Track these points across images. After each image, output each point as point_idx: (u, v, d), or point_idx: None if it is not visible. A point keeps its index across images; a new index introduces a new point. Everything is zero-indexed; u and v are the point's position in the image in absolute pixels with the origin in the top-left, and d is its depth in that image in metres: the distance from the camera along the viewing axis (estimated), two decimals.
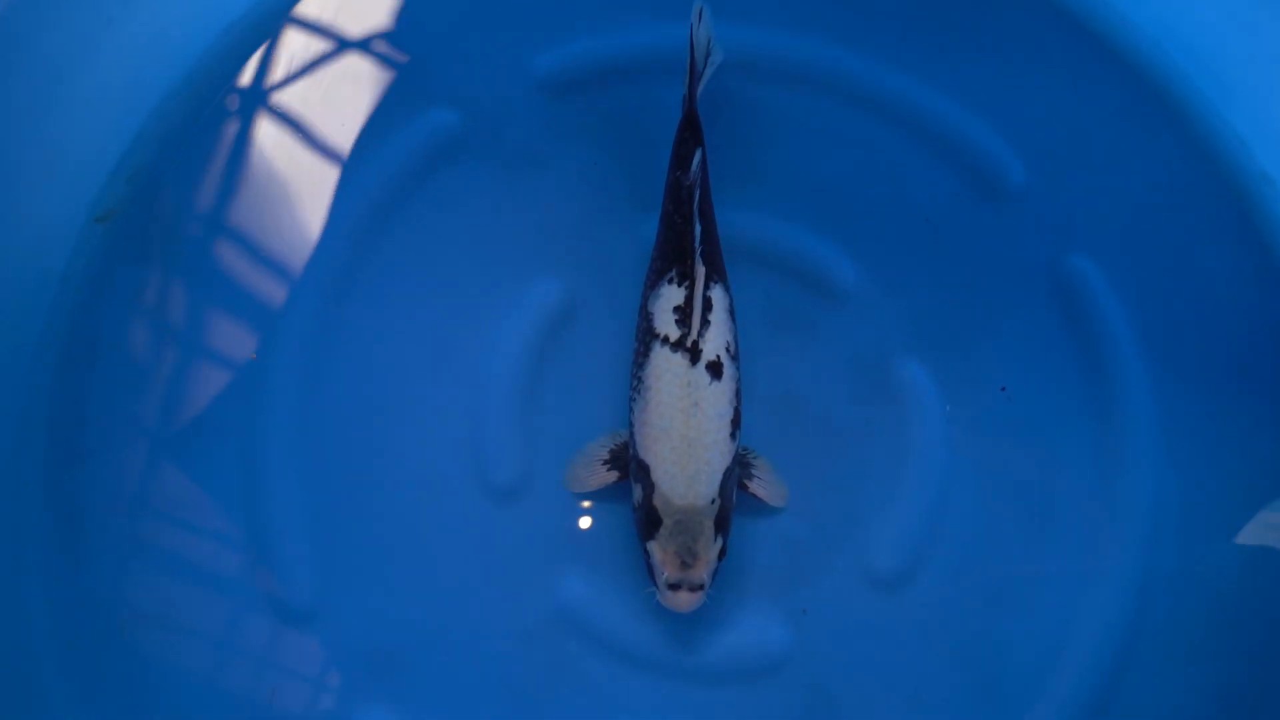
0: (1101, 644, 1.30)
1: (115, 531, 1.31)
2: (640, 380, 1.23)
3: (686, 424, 1.19)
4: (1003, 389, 1.39)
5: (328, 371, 1.38)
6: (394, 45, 1.50)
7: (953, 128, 1.49)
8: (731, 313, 1.28)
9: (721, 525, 1.18)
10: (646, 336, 1.25)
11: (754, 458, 1.29)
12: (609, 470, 1.28)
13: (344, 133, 1.49)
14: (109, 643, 1.26)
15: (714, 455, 1.20)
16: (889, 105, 1.49)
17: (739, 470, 1.25)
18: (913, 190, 1.47)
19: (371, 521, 1.33)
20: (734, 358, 1.25)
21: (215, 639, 1.27)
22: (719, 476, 1.20)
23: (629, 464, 1.24)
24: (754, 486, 1.27)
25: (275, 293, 1.43)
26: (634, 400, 1.24)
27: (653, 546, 1.18)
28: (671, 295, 1.26)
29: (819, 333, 1.41)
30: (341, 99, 1.50)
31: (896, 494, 1.34)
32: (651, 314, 1.25)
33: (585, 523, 1.30)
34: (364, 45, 1.51)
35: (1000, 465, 1.37)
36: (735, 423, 1.23)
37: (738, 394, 1.24)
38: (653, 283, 1.27)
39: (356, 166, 1.47)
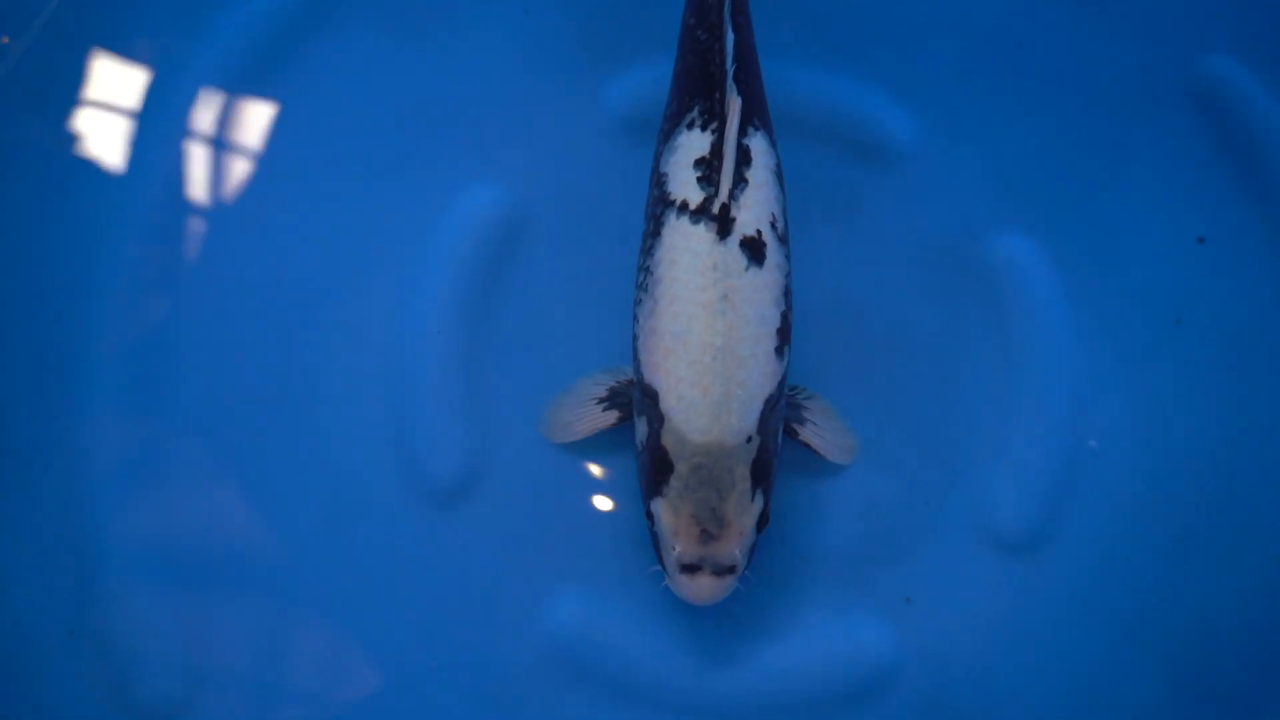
0: None
1: None
2: (648, 271, 1.08)
3: (711, 326, 1.03)
4: (1200, 239, 1.26)
5: (173, 348, 1.23)
6: None
7: None
8: (779, 176, 1.12)
9: (761, 476, 1.02)
10: (657, 207, 1.09)
11: (806, 397, 1.15)
12: (605, 410, 1.13)
13: None
14: None
15: (752, 374, 1.03)
16: None
17: (787, 410, 1.11)
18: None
19: (249, 561, 1.18)
20: (782, 240, 1.09)
21: None
22: (758, 405, 1.03)
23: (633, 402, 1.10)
24: (807, 434, 1.13)
25: (87, 232, 1.25)
26: (639, 303, 1.09)
27: (660, 506, 1.02)
28: (692, 144, 1.09)
29: (871, 211, 1.28)
30: None
31: (1012, 421, 1.22)
32: (664, 175, 1.10)
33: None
34: None
35: (1160, 358, 1.24)
36: (784, 335, 1.07)
37: (787, 293, 1.08)
38: (667, 133, 1.13)
39: (184, 45, 1.31)
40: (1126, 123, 1.31)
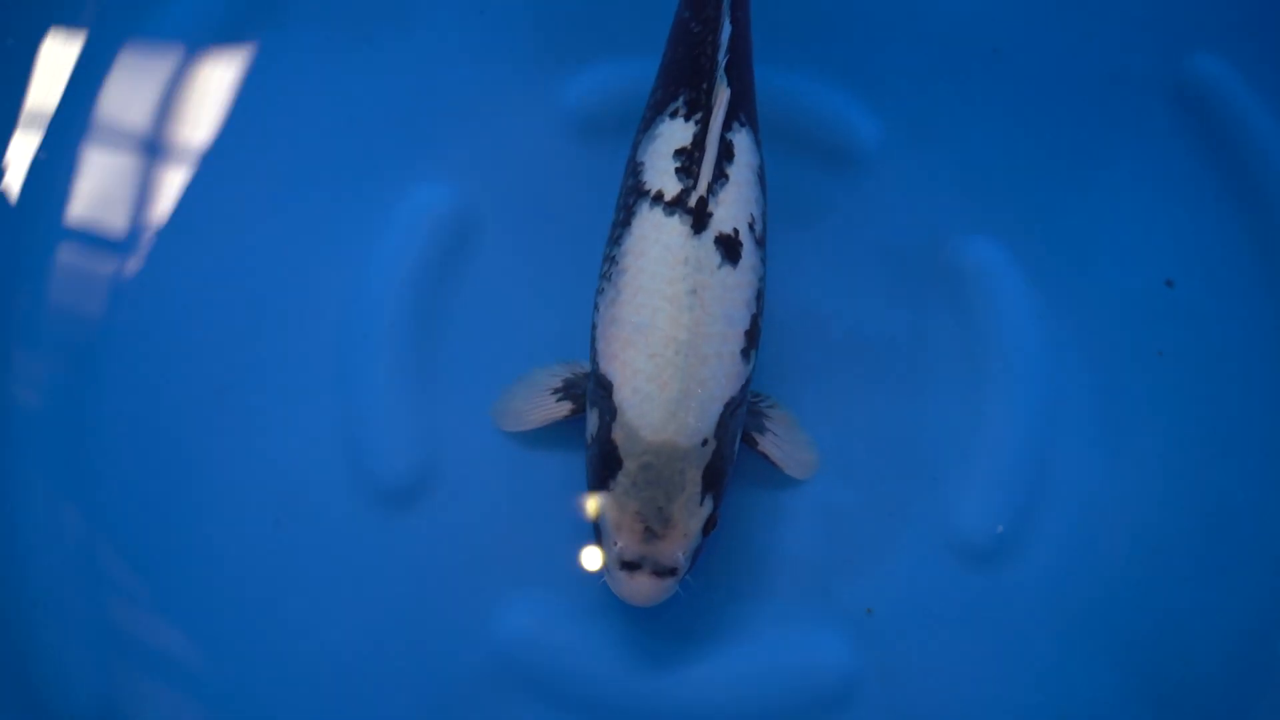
0: None
1: None
2: (613, 261, 1.05)
3: (676, 320, 1.00)
4: (1169, 283, 1.24)
5: (109, 347, 1.20)
6: None
7: None
8: (762, 178, 1.10)
9: (713, 481, 1.00)
10: (630, 197, 1.07)
11: (769, 405, 1.13)
12: (559, 400, 1.11)
13: None
14: None
15: (715, 373, 1.00)
16: None
17: (747, 417, 1.08)
18: None
19: (185, 565, 1.14)
20: (759, 243, 1.07)
21: None
22: (718, 408, 1.00)
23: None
24: (766, 445, 1.10)
25: (21, 225, 1.22)
26: (600, 292, 1.06)
27: (606, 501, 0.99)
28: (673, 134, 1.07)
29: (836, 215, 1.26)
30: None
31: (978, 430, 1.19)
32: (641, 164, 1.08)
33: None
34: None
35: (1131, 369, 1.22)
36: (751, 338, 1.04)
37: (759, 297, 1.06)
38: (649, 120, 1.11)
39: (121, 40, 1.28)
40: (1103, 127, 1.30)
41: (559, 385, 1.11)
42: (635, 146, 1.11)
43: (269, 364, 1.19)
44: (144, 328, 1.20)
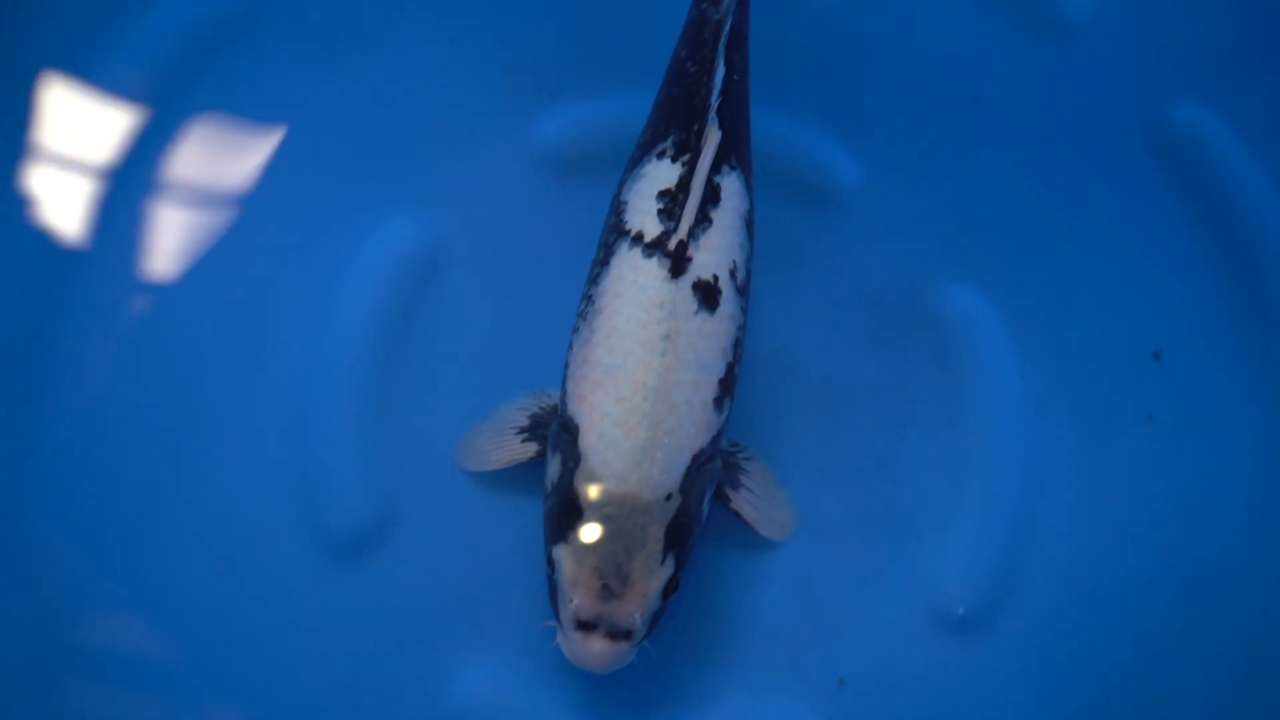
0: None
1: None
2: (590, 300, 1.04)
3: (647, 364, 0.99)
4: (1156, 354, 1.22)
5: (52, 380, 1.17)
6: None
7: None
8: (750, 225, 1.09)
9: (677, 539, 0.98)
10: (611, 235, 1.06)
11: (746, 458, 1.10)
12: (524, 441, 1.09)
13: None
14: None
15: (684, 421, 0.99)
16: None
17: (721, 471, 1.06)
18: (930, 37, 1.34)
19: (124, 618, 1.12)
20: (740, 291, 1.05)
21: None
22: (685, 459, 0.99)
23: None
24: (740, 503, 1.08)
25: None
26: (576, 330, 1.05)
27: (562, 553, 0.98)
28: (659, 174, 1.07)
29: (813, 259, 1.24)
30: None
31: (959, 489, 1.17)
32: (624, 204, 1.07)
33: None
34: None
35: (1117, 424, 1.20)
36: (726, 387, 1.03)
37: (737, 345, 1.05)
38: (636, 159, 1.10)
39: (98, 57, 1.27)
40: (1086, 174, 1.30)
41: (525, 424, 1.09)
42: (621, 184, 1.10)
43: (220, 403, 1.17)
44: (88, 362, 1.17)
